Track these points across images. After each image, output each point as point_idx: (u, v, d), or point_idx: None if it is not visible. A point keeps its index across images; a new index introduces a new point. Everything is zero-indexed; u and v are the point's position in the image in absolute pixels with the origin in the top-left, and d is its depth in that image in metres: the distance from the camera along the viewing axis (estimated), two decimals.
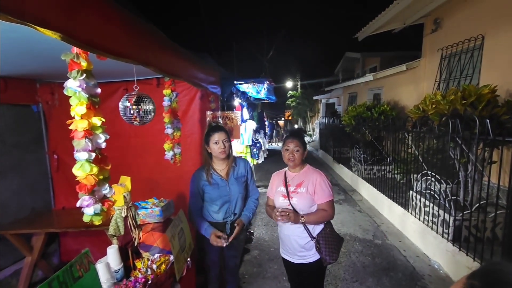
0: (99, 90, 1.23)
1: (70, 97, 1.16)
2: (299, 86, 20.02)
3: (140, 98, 1.77)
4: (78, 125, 1.16)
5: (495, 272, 0.52)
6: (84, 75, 1.14)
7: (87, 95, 1.17)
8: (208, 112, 3.03)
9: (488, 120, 2.58)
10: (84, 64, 1.14)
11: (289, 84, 20.34)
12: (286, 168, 2.00)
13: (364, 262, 3.33)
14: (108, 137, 1.27)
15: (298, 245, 1.87)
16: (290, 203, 1.85)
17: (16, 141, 2.78)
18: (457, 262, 2.88)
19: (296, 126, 21.13)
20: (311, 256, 1.86)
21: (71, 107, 1.17)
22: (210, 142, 1.99)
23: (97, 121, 1.21)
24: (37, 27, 0.83)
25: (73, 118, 1.18)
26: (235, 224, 2.03)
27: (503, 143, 2.58)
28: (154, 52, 1.58)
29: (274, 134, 16.89)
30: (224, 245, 1.92)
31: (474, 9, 4.45)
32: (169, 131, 2.31)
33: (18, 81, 2.62)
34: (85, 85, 1.15)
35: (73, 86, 1.14)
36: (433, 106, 3.28)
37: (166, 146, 2.33)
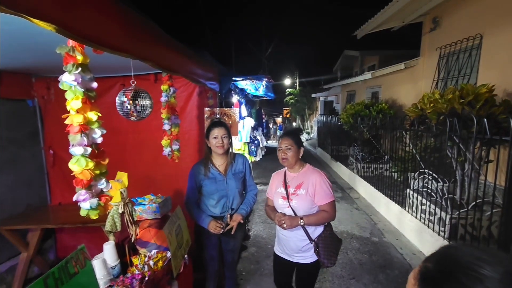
0: (95, 84, 1.21)
1: (66, 91, 1.14)
2: (297, 84, 20.02)
3: (137, 93, 1.76)
4: (74, 119, 1.14)
5: (448, 255, 0.53)
6: (80, 69, 1.12)
7: (83, 89, 1.14)
8: (206, 109, 3.01)
9: (485, 119, 2.59)
10: (79, 57, 1.12)
11: (287, 81, 20.34)
12: (286, 168, 1.93)
13: (361, 259, 3.35)
14: (104, 131, 1.25)
15: (296, 246, 1.83)
16: (290, 205, 1.81)
17: (11, 137, 2.75)
18: None
19: (295, 124, 21.13)
20: (309, 257, 1.83)
21: (67, 101, 1.15)
22: (210, 137, 2.03)
23: (93, 115, 1.19)
24: (32, 19, 0.81)
25: (69, 112, 1.16)
26: (229, 222, 2.02)
27: (500, 142, 2.59)
28: (152, 47, 1.56)
29: (272, 131, 16.89)
30: (222, 232, 1.94)
31: (473, 8, 4.45)
32: (166, 127, 2.29)
33: (13, 75, 2.58)
34: (80, 79, 1.13)
35: (69, 80, 1.11)
36: (431, 105, 3.29)
37: (164, 142, 2.32)
